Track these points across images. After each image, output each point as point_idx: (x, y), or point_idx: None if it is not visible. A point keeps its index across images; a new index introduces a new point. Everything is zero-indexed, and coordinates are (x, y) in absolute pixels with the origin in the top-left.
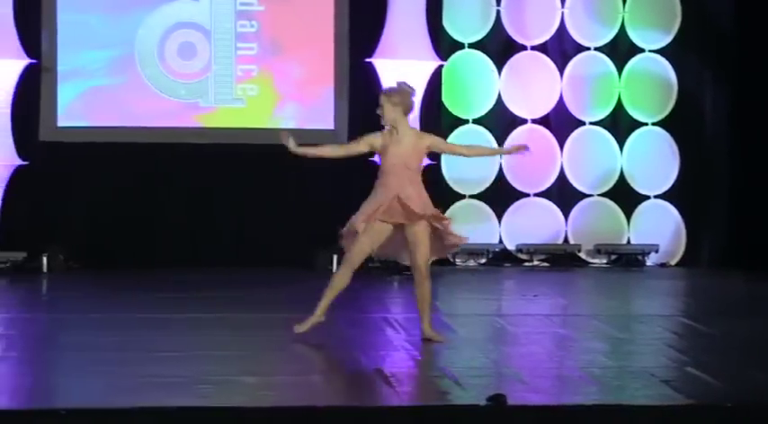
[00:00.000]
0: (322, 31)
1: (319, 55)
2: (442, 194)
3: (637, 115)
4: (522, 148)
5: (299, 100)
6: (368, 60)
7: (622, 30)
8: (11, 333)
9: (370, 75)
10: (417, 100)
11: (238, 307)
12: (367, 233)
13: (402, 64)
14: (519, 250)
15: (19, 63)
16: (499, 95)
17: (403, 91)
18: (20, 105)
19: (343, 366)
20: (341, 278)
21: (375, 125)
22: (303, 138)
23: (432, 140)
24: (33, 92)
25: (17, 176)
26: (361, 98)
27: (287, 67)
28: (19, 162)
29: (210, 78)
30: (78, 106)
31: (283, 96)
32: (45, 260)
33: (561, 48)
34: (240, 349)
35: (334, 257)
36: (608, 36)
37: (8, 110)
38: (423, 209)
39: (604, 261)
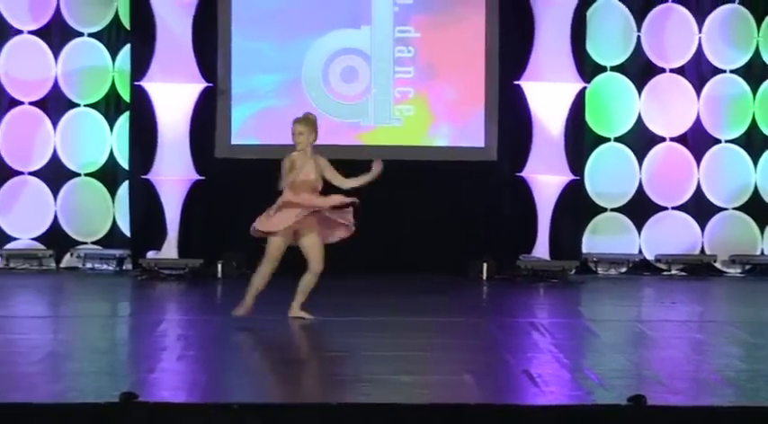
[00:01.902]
0: (473, 56)
1: (471, 78)
2: (585, 207)
3: None
4: (377, 165)
5: (451, 120)
6: (516, 82)
7: (757, 53)
8: (189, 334)
9: (519, 97)
10: (563, 119)
11: (395, 312)
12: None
13: (548, 86)
14: (658, 260)
15: (197, 86)
16: (639, 115)
17: (314, 120)
18: (197, 125)
19: (492, 366)
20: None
21: (523, 142)
22: (455, 156)
23: (323, 162)
24: (209, 113)
25: (195, 190)
26: (510, 118)
27: (441, 90)
28: (196, 177)
29: (370, 100)
30: (250, 125)
31: (437, 116)
32: (219, 266)
33: (698, 71)
34: (397, 350)
35: (485, 265)
36: (743, 59)
37: (187, 130)
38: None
39: (739, 271)
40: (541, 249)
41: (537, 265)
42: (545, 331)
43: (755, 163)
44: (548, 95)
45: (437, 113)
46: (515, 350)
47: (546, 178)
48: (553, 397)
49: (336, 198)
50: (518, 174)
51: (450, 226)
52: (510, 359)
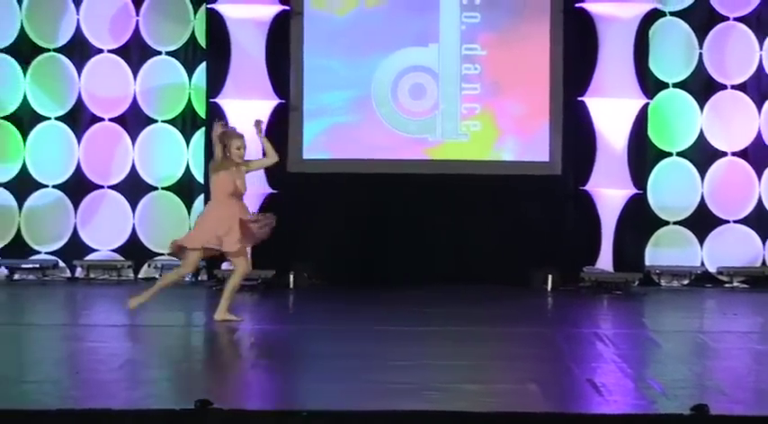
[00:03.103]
0: (538, 73)
1: (536, 94)
2: (648, 220)
3: None
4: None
5: (517, 134)
6: (580, 99)
7: None
8: (262, 343)
9: (583, 112)
10: (626, 134)
11: (461, 321)
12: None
13: (611, 102)
14: (719, 272)
15: (270, 103)
16: (701, 130)
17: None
18: (270, 140)
19: (557, 376)
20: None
21: (587, 157)
22: (521, 170)
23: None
24: (282, 128)
25: (268, 203)
26: (574, 133)
27: (507, 105)
28: (269, 190)
29: (438, 115)
30: (321, 141)
31: (503, 131)
32: (291, 277)
33: (759, 87)
34: (463, 359)
35: (549, 277)
36: None
37: (260, 145)
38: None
39: None
40: (605, 261)
41: (601, 277)
42: (609, 342)
43: None
44: (611, 111)
45: (503, 128)
46: (580, 360)
47: (609, 191)
48: (617, 406)
49: None
50: (582, 188)
51: (515, 238)
52: (574, 369)
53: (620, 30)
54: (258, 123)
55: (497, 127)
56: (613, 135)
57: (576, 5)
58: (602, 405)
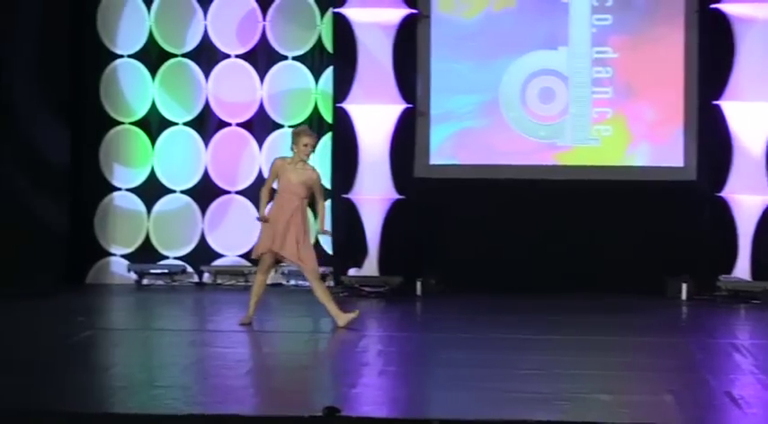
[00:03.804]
0: (672, 76)
1: (670, 97)
2: None
3: None
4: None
5: (650, 139)
6: (716, 102)
7: None
8: (390, 350)
9: (718, 116)
10: (764, 139)
11: (592, 330)
12: None
13: (749, 105)
14: None
15: (397, 107)
16: None
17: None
18: (397, 145)
19: (693, 387)
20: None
21: (722, 162)
22: (653, 175)
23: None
24: (409, 133)
25: (394, 209)
26: (710, 137)
27: (639, 109)
28: (396, 196)
29: (568, 120)
30: (448, 146)
31: (635, 136)
32: (419, 284)
33: None
34: (595, 369)
35: (684, 285)
36: None
37: (387, 150)
38: None
39: None
40: (742, 269)
41: (738, 285)
42: (747, 353)
43: None
44: (748, 115)
45: (635, 133)
46: (716, 371)
47: (747, 197)
48: (756, 420)
49: None
50: (718, 194)
51: (648, 246)
52: (711, 380)
53: (759, 32)
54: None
55: (629, 131)
56: (751, 139)
57: (712, 6)
58: (740, 419)
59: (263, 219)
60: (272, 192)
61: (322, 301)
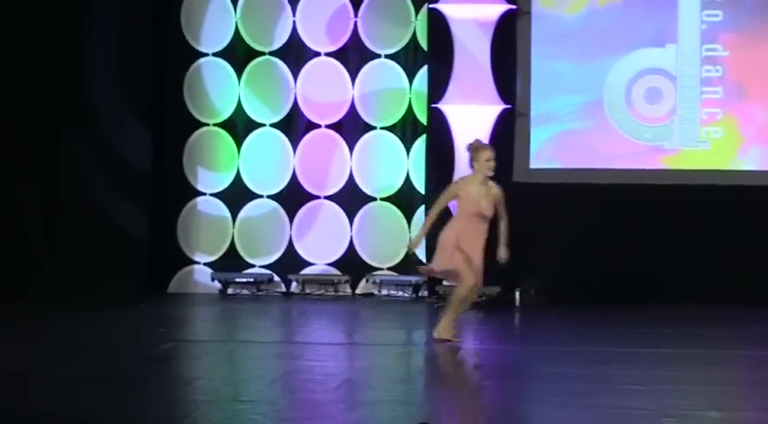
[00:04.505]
0: None
1: None
2: None
3: None
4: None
5: (762, 142)
6: None
7: None
8: (486, 363)
9: None
10: None
11: (701, 343)
12: None
13: None
14: None
15: (495, 108)
16: None
17: None
18: (495, 148)
19: None
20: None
21: None
22: (765, 181)
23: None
24: (508, 135)
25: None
26: None
27: (751, 110)
28: None
29: (676, 122)
30: (549, 148)
31: (747, 138)
32: (517, 294)
33: None
34: (703, 384)
35: None
36: None
37: None
38: None
39: None
40: None
41: None
42: None
43: None
44: None
45: (747, 135)
46: None
47: None
48: None
49: None
50: None
51: (760, 255)
52: None
53: None
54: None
55: (740, 134)
56: None
57: None
58: None
59: (414, 246)
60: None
61: (447, 307)
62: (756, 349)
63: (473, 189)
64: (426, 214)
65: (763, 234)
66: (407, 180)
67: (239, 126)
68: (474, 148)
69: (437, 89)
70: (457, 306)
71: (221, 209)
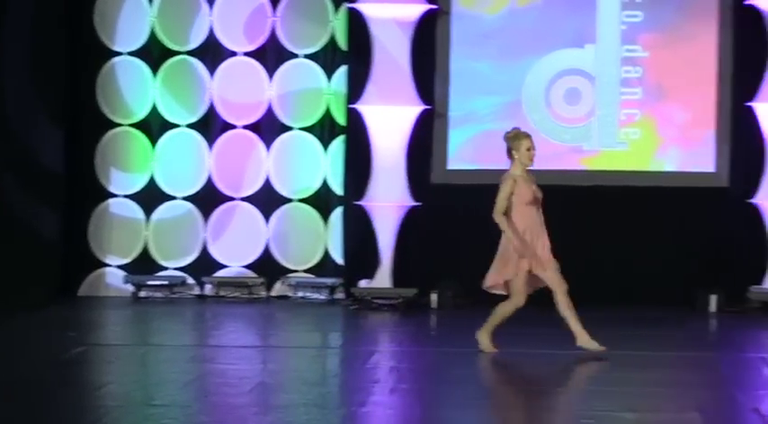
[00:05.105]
0: (704, 76)
1: (701, 99)
2: None
3: None
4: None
5: (680, 143)
6: (749, 104)
7: None
8: (402, 366)
9: (752, 119)
10: None
11: (619, 345)
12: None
13: None
14: None
15: (414, 109)
16: None
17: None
18: (414, 149)
19: (721, 404)
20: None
21: (756, 167)
22: (684, 181)
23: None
24: (426, 136)
25: (410, 216)
26: (743, 141)
27: (670, 111)
28: (412, 203)
29: (594, 123)
30: (468, 150)
31: (665, 140)
32: (434, 296)
33: None
34: (621, 385)
35: (713, 297)
36: None
37: (403, 154)
38: None
39: None
40: None
41: None
42: None
43: None
44: None
45: (665, 136)
46: (745, 387)
47: None
48: None
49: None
50: (751, 201)
51: (676, 256)
52: (740, 397)
53: None
54: None
55: (659, 134)
56: None
57: (746, 2)
58: None
59: (521, 250)
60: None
61: (490, 320)
62: (670, 350)
63: (522, 179)
64: (344, 214)
65: (678, 235)
66: (325, 181)
67: (154, 126)
68: (514, 137)
69: (355, 89)
70: (498, 321)
71: (135, 211)
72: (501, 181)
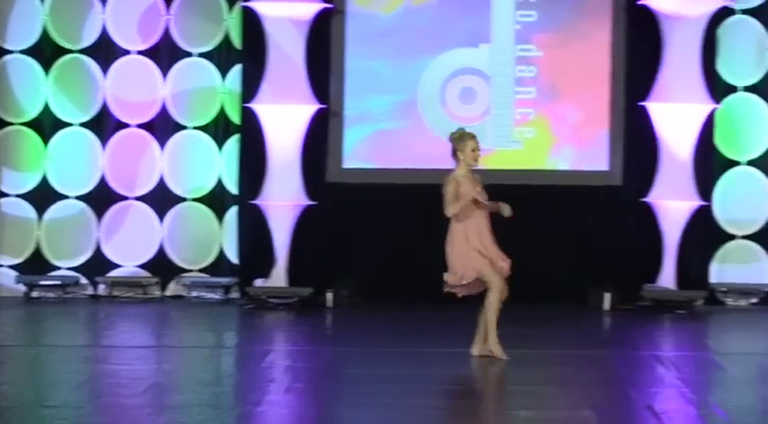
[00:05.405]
0: (598, 76)
1: (595, 99)
2: (714, 234)
3: None
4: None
5: (574, 142)
6: (642, 104)
7: None
8: (297, 365)
9: (645, 118)
10: (691, 142)
11: (512, 343)
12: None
13: (676, 107)
14: None
15: (309, 108)
16: None
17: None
18: (309, 148)
19: (615, 402)
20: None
21: (649, 166)
22: (578, 180)
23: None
24: (321, 135)
25: (305, 216)
26: (636, 141)
27: (564, 111)
28: (307, 202)
29: (489, 122)
30: (363, 149)
31: (559, 139)
32: (330, 295)
33: None
34: (514, 384)
35: (606, 295)
36: None
37: (298, 153)
38: None
39: None
40: (667, 278)
41: (662, 295)
42: (670, 365)
43: None
44: (676, 117)
45: (559, 135)
46: (639, 385)
47: (673, 203)
48: None
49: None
50: (643, 200)
51: (571, 254)
52: (633, 394)
53: (687, 30)
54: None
55: (553, 133)
56: (678, 142)
57: (639, 2)
58: None
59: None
60: None
61: (488, 324)
62: (565, 349)
63: (465, 180)
64: (239, 214)
65: (572, 233)
66: (219, 180)
67: (46, 125)
68: (459, 138)
69: (250, 88)
70: (495, 317)
71: (27, 210)
72: (444, 182)
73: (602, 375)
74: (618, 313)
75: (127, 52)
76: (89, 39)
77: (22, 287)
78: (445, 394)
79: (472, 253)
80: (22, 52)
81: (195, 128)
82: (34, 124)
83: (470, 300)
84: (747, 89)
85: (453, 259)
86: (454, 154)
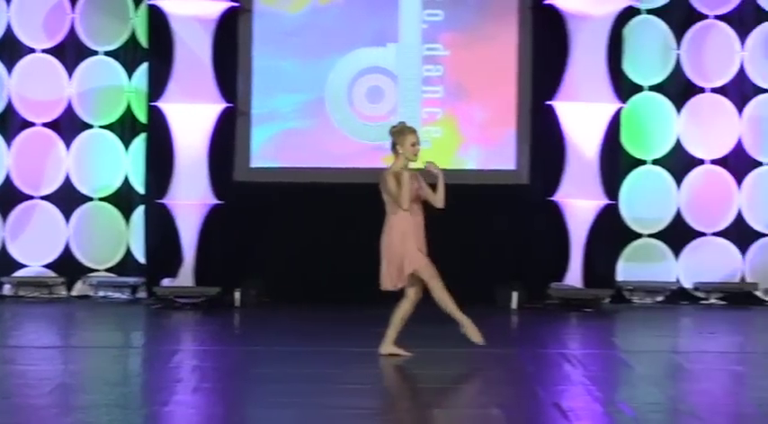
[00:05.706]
0: (505, 75)
1: (502, 98)
2: (620, 233)
3: None
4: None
5: (481, 141)
6: (548, 103)
7: None
8: (205, 365)
9: (552, 118)
10: (598, 141)
11: (420, 342)
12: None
13: (583, 106)
14: (696, 288)
15: (216, 107)
16: (678, 137)
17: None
18: (216, 147)
19: (522, 400)
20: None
21: (555, 165)
22: (485, 179)
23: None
24: (229, 134)
25: (212, 215)
26: (543, 140)
27: (470, 110)
28: (214, 201)
29: (396, 121)
30: (270, 148)
31: (467, 138)
32: (237, 295)
33: (740, 91)
34: (423, 382)
35: (514, 294)
36: None
37: (205, 152)
38: None
39: None
40: (574, 276)
41: (569, 293)
42: (577, 363)
43: None
44: (582, 116)
45: (466, 135)
46: (546, 383)
47: (579, 202)
48: None
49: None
50: (550, 198)
51: (478, 252)
52: (540, 392)
53: (592, 29)
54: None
55: (460, 133)
56: (584, 141)
57: (545, 2)
58: None
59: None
60: None
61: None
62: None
63: (405, 175)
64: (146, 213)
65: (480, 232)
66: (126, 179)
67: None
68: (399, 132)
69: (157, 87)
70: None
71: None
72: (381, 179)
73: (510, 373)
74: (525, 312)
75: (32, 50)
76: None
77: None
78: (355, 394)
79: (414, 252)
80: None
81: (101, 126)
82: None
83: (379, 299)
84: (653, 88)
85: (393, 255)
86: (393, 147)
